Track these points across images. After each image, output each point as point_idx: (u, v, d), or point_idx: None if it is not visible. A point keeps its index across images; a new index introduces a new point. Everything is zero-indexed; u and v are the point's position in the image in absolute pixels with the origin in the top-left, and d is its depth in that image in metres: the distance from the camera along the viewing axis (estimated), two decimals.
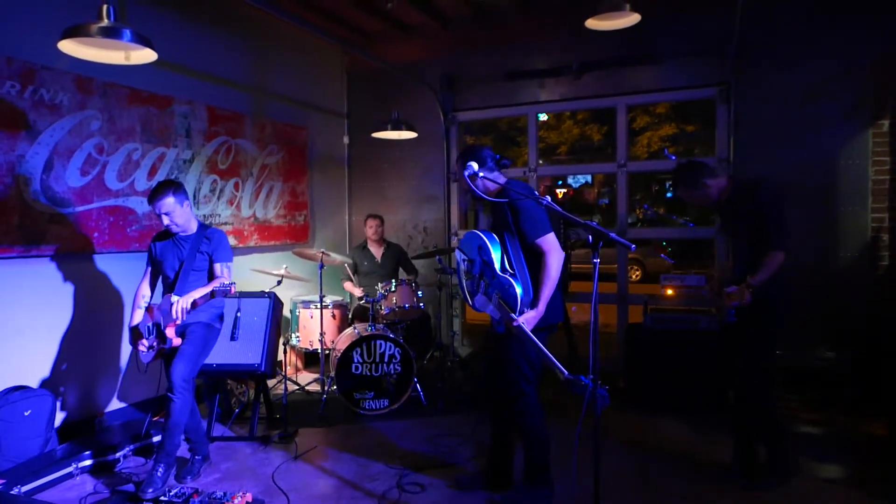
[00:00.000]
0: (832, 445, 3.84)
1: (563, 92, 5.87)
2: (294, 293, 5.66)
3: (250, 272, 5.02)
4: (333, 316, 5.22)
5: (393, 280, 5.02)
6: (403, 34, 6.15)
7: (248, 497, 3.01)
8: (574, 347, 5.06)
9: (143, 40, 2.92)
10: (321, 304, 4.87)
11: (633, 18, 3.91)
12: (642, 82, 5.52)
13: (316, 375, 5.23)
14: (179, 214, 3.34)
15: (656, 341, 4.66)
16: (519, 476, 3.16)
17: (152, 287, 3.58)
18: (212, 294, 3.17)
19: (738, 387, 3.39)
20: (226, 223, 5.21)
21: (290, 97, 6.01)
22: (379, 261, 5.63)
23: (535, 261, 2.84)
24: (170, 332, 3.25)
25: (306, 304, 5.26)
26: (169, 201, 3.28)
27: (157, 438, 3.73)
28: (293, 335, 5.31)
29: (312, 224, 6.31)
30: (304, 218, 6.16)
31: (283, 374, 5.02)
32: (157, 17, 4.51)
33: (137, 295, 3.51)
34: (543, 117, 15.34)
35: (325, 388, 4.74)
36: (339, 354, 4.56)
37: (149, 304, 3.49)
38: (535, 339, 2.57)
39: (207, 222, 4.92)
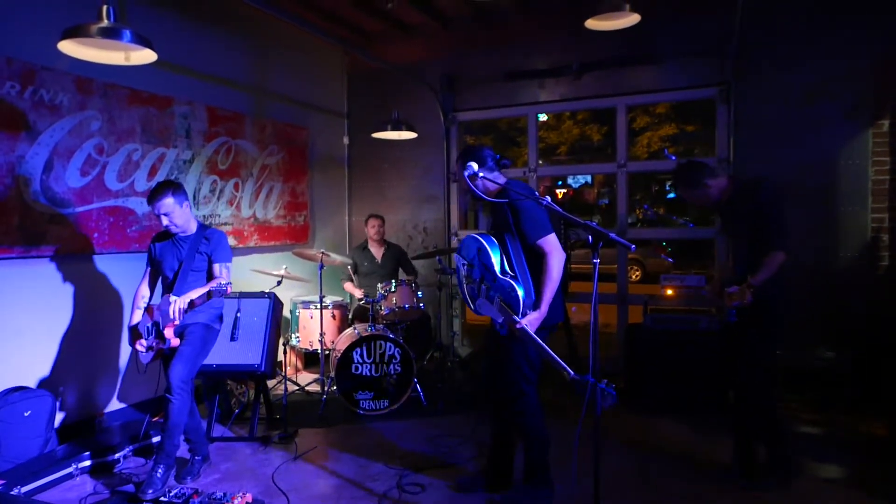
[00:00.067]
0: (832, 445, 3.84)
1: (563, 92, 5.87)
2: (294, 293, 5.65)
3: (250, 272, 5.02)
4: (333, 316, 5.22)
5: (393, 280, 5.02)
6: (403, 34, 6.15)
7: (248, 497, 3.01)
8: (574, 347, 5.06)
9: (142, 41, 2.91)
10: (321, 305, 4.87)
11: (632, 18, 3.91)
12: (642, 82, 5.52)
13: (316, 376, 5.23)
14: (179, 215, 3.34)
15: (656, 341, 4.65)
16: (519, 476, 3.16)
17: (152, 287, 3.58)
18: (209, 294, 3.17)
19: (738, 387, 3.39)
20: (226, 223, 5.21)
21: (290, 97, 6.01)
22: (379, 261, 5.63)
23: (537, 262, 2.84)
24: (168, 332, 3.25)
25: (306, 304, 5.25)
26: (168, 202, 3.28)
27: (156, 439, 3.73)
28: (293, 335, 5.30)
29: (312, 224, 6.31)
30: (304, 218, 6.16)
31: (283, 374, 5.02)
32: (156, 17, 4.51)
33: (137, 295, 3.51)
34: (543, 117, 15.33)
35: (325, 388, 4.74)
36: (339, 355, 4.56)
37: (148, 304, 3.49)
38: (540, 340, 2.57)
39: (207, 223, 4.91)
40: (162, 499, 3.06)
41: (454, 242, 6.38)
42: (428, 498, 3.19)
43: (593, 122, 16.72)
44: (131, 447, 3.69)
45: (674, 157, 14.39)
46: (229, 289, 3.21)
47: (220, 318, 3.57)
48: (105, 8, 2.80)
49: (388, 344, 4.55)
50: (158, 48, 3.03)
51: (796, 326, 3.47)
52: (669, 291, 5.23)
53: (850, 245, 4.76)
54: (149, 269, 3.56)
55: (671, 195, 20.38)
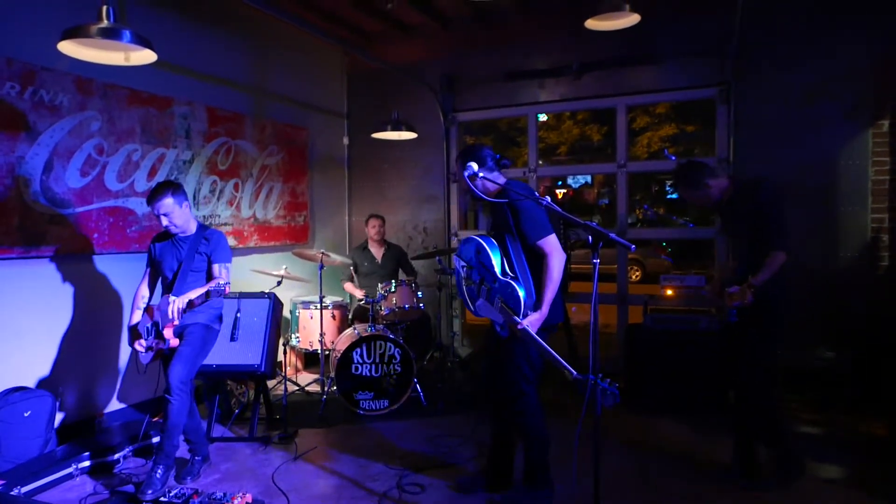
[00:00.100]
0: (832, 445, 3.84)
1: (563, 92, 5.87)
2: (294, 294, 5.66)
3: (250, 273, 5.02)
4: (333, 316, 5.22)
5: (393, 281, 5.02)
6: (403, 34, 6.15)
7: (248, 498, 3.02)
8: (574, 348, 5.05)
9: (142, 41, 2.91)
10: (321, 305, 4.87)
11: (632, 19, 3.91)
12: (642, 82, 5.52)
13: (316, 376, 5.23)
14: (178, 215, 3.34)
15: (656, 342, 4.65)
16: (519, 476, 3.16)
17: (152, 288, 3.58)
18: (207, 294, 3.17)
19: (738, 387, 3.39)
20: (225, 224, 5.21)
21: (290, 98, 6.01)
22: (379, 261, 5.62)
23: (537, 262, 2.84)
24: (168, 332, 3.25)
25: (306, 304, 5.25)
26: (167, 202, 3.28)
27: (156, 439, 3.73)
28: (293, 336, 5.30)
29: (312, 225, 6.31)
30: (304, 218, 6.16)
31: (283, 374, 5.02)
32: (156, 17, 4.51)
33: (136, 296, 3.51)
34: (543, 118, 15.33)
35: (325, 388, 4.74)
36: (338, 355, 4.56)
37: (148, 304, 3.49)
38: (541, 341, 2.57)
39: (207, 223, 4.92)
40: (162, 499, 3.07)
41: (454, 243, 6.38)
42: (428, 498, 3.19)
43: (593, 122, 16.72)
44: (131, 447, 3.69)
45: (674, 158, 14.39)
46: (227, 289, 3.22)
47: (220, 319, 3.57)
48: (105, 8, 2.80)
49: (388, 344, 4.55)
50: (158, 48, 3.03)
51: (796, 326, 3.47)
52: (669, 291, 5.23)
53: (850, 245, 4.76)
54: (148, 269, 3.56)
55: (671, 195, 20.39)
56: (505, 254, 2.89)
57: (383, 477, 3.45)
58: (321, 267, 4.87)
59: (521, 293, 2.71)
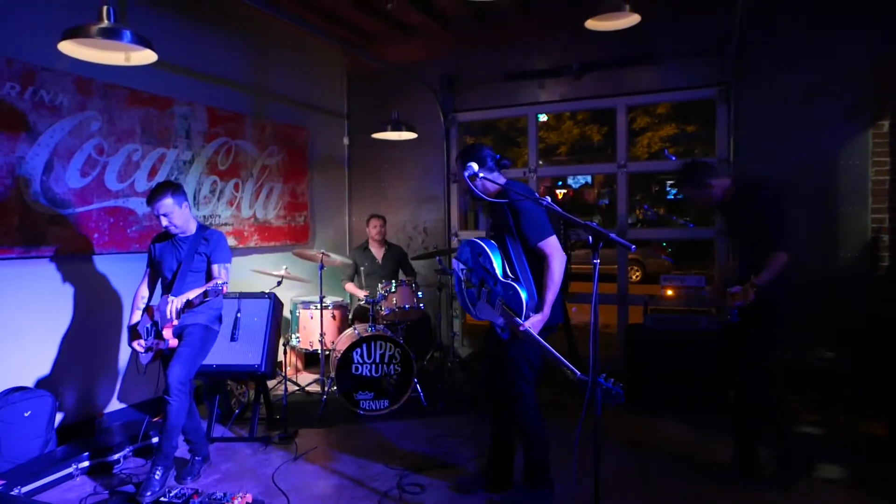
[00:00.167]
0: (832, 445, 3.83)
1: (563, 92, 5.87)
2: (294, 294, 5.66)
3: (250, 273, 5.03)
4: (333, 317, 5.22)
5: (393, 281, 5.02)
6: (403, 35, 6.15)
7: (249, 498, 3.02)
8: (574, 348, 5.06)
9: (143, 41, 2.91)
10: (321, 305, 4.87)
11: (632, 19, 3.91)
12: (642, 83, 5.52)
13: (316, 376, 5.23)
14: (178, 215, 3.34)
15: (656, 342, 4.66)
16: (519, 476, 3.16)
17: (151, 288, 3.58)
18: (205, 294, 3.17)
19: (738, 387, 3.39)
20: (226, 224, 5.21)
21: (290, 98, 6.01)
22: (380, 262, 5.62)
23: (537, 263, 2.84)
24: (167, 333, 3.25)
25: (306, 304, 5.25)
26: (167, 202, 3.28)
27: (156, 440, 3.73)
28: (293, 336, 5.30)
29: (312, 225, 6.31)
30: (305, 219, 6.16)
31: (284, 374, 5.02)
32: (157, 17, 4.51)
33: (136, 296, 3.51)
34: (543, 118, 15.34)
35: (325, 388, 4.74)
36: (339, 355, 4.56)
37: (147, 304, 3.49)
38: (544, 342, 2.57)
39: (207, 223, 4.92)
40: (162, 499, 3.07)
41: (454, 243, 6.38)
42: (428, 498, 3.19)
43: (593, 123, 16.72)
44: (131, 447, 3.69)
45: (674, 158, 14.41)
46: (225, 288, 3.22)
47: (220, 319, 3.57)
48: (105, 8, 2.80)
49: (389, 344, 4.55)
50: (158, 48, 3.03)
51: (797, 326, 3.47)
52: (669, 292, 5.23)
53: (851, 245, 4.76)
54: (148, 269, 3.56)
55: (671, 195, 20.39)
56: (505, 255, 2.88)
57: (383, 477, 3.44)
58: (321, 267, 4.88)
59: (524, 295, 2.71)
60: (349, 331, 4.92)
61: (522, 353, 2.90)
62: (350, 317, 5.46)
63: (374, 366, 4.53)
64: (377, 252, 5.66)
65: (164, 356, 3.37)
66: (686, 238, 15.64)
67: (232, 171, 5.24)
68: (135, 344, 3.34)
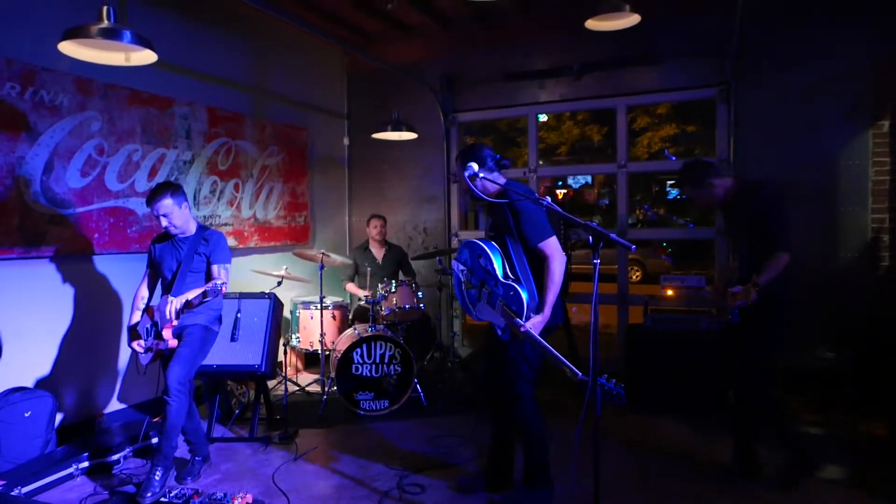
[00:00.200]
0: (832, 445, 3.83)
1: (563, 92, 5.87)
2: (294, 294, 5.66)
3: (250, 273, 5.03)
4: (333, 317, 5.22)
5: (393, 281, 5.02)
6: (403, 34, 6.15)
7: (249, 498, 3.02)
8: (574, 348, 5.06)
9: (143, 41, 2.92)
10: (321, 305, 4.87)
11: (632, 19, 3.91)
12: (642, 83, 5.52)
13: (316, 376, 5.22)
14: (178, 216, 3.34)
15: (656, 342, 4.66)
16: (519, 476, 3.16)
17: (151, 289, 3.58)
18: (204, 295, 3.17)
19: (738, 387, 3.39)
20: (226, 224, 5.21)
21: (290, 98, 6.01)
22: (380, 262, 5.63)
23: (538, 264, 2.84)
24: (167, 333, 3.25)
25: (306, 304, 5.26)
26: (167, 203, 3.29)
27: (156, 440, 3.73)
28: (293, 336, 5.30)
29: (312, 225, 6.31)
30: (305, 219, 6.16)
31: (284, 374, 5.02)
32: (157, 17, 4.52)
33: (136, 296, 3.51)
34: (543, 118, 15.33)
35: (326, 388, 4.74)
36: (339, 355, 4.56)
37: (147, 304, 3.49)
38: (545, 342, 2.57)
39: (207, 223, 4.92)
40: (162, 499, 3.07)
41: (454, 243, 6.38)
42: (428, 498, 3.19)
43: (593, 123, 16.71)
44: (131, 448, 3.69)
45: (674, 158, 14.42)
46: (224, 289, 3.22)
47: (220, 320, 3.57)
48: (105, 9, 2.80)
49: (389, 344, 4.55)
50: (158, 49, 3.03)
51: (796, 326, 3.47)
52: (670, 292, 5.23)
53: (851, 245, 4.76)
54: (148, 270, 3.56)
55: (671, 195, 20.39)
56: (506, 256, 2.88)
57: (384, 477, 3.45)
58: (321, 267, 4.88)
59: (524, 296, 2.71)
60: (349, 331, 4.92)
61: (522, 354, 2.91)
62: (350, 317, 5.46)
63: (374, 366, 4.53)
64: (377, 252, 5.66)
65: (163, 356, 3.37)
66: (686, 238, 15.63)
67: (232, 171, 5.24)
68: (134, 344, 3.34)
